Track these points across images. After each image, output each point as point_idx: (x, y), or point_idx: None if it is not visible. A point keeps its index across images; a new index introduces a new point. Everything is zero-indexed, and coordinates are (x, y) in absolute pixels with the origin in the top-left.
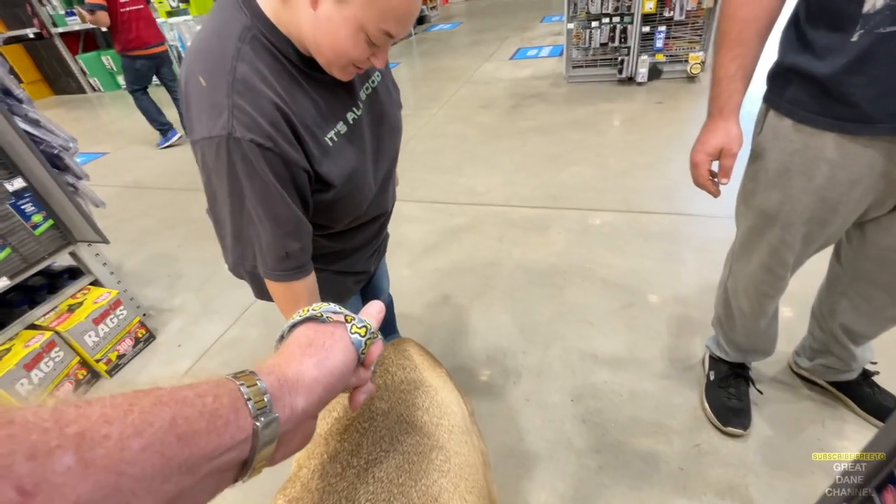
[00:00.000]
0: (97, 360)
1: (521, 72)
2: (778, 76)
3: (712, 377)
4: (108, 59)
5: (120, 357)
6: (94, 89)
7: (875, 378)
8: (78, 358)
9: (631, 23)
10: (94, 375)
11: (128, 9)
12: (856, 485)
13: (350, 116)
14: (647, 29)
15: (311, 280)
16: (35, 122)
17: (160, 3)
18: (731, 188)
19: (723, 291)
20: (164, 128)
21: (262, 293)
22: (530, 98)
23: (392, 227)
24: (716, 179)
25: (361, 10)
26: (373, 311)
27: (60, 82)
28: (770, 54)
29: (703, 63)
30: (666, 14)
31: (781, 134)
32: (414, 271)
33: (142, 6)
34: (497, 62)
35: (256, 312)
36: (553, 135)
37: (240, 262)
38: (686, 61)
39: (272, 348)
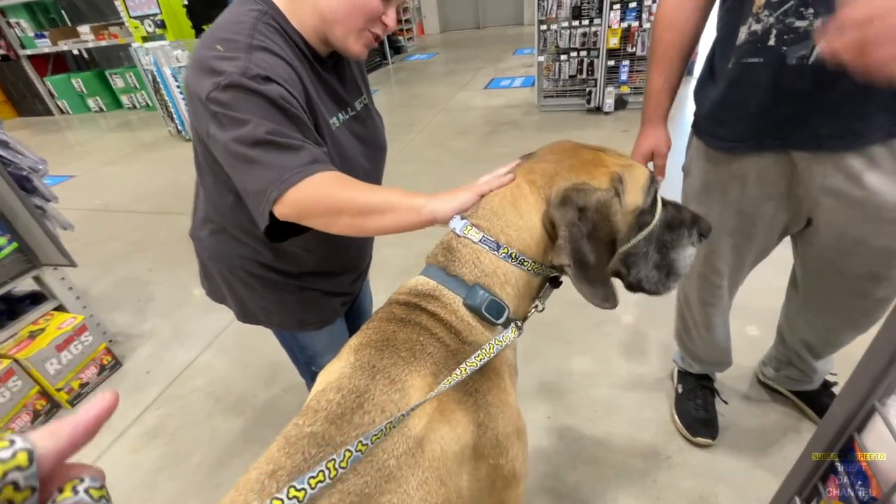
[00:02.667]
0: (58, 390)
1: (495, 100)
2: (697, 104)
3: (680, 390)
4: (78, 81)
5: (83, 385)
6: (62, 112)
7: (834, 389)
8: (37, 387)
9: (597, 57)
10: (55, 406)
11: None
12: (804, 478)
13: (342, 116)
14: (612, 63)
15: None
16: (4, 144)
17: (136, 28)
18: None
19: (678, 304)
20: None
21: (247, 315)
22: (504, 125)
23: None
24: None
25: None
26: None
27: (26, 104)
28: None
29: None
30: (629, 49)
31: (701, 154)
32: (387, 294)
33: None
34: (472, 91)
35: (230, 337)
36: None
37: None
38: None
39: (245, 373)
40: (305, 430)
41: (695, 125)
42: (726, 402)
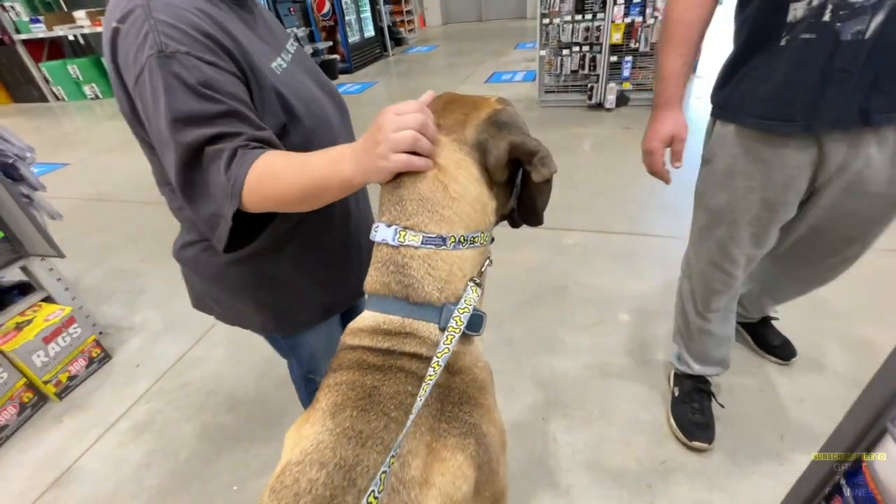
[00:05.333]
0: (45, 382)
1: (495, 95)
2: (723, 88)
3: (677, 393)
4: (74, 68)
5: (71, 378)
6: (57, 98)
7: (773, 322)
8: (24, 380)
9: (600, 52)
10: (42, 398)
11: None
12: (806, 498)
13: (283, 59)
14: (614, 59)
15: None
16: None
17: None
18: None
19: (679, 300)
20: None
21: (199, 301)
22: None
23: None
24: (667, 167)
25: None
26: None
27: (21, 90)
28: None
29: None
30: (632, 45)
31: (726, 140)
32: None
33: None
34: (473, 84)
35: (222, 331)
36: None
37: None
38: (651, 90)
39: (237, 368)
40: None
41: (722, 108)
42: (723, 406)
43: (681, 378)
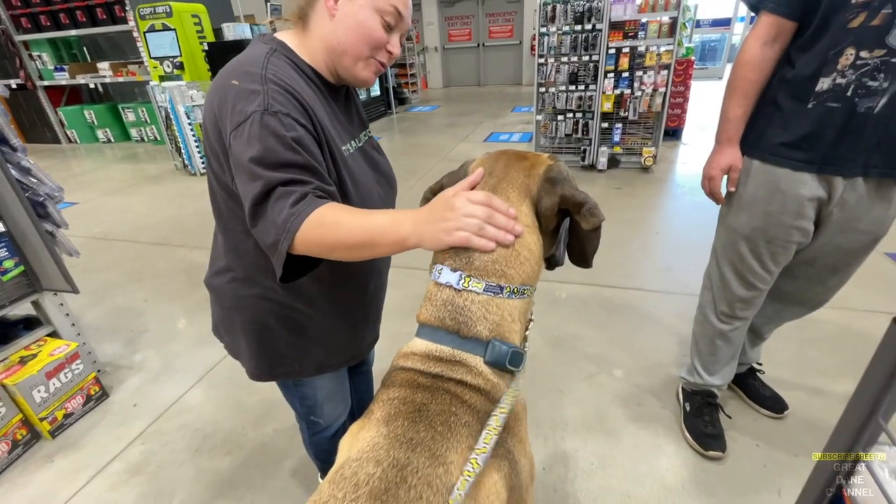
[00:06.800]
0: (41, 419)
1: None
2: (752, 131)
3: (688, 408)
4: (90, 113)
5: (67, 416)
6: (70, 140)
7: (760, 375)
8: (21, 415)
9: (592, 119)
10: (35, 436)
11: None
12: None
13: (353, 144)
14: (605, 125)
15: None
16: (26, 171)
17: (155, 68)
18: (687, 267)
19: (699, 313)
20: None
21: (262, 368)
22: None
23: None
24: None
25: None
26: None
27: (36, 131)
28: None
29: (654, 157)
30: (622, 114)
31: (751, 173)
32: (388, 335)
33: None
34: (472, 143)
35: (222, 372)
36: None
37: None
38: (640, 154)
39: (236, 411)
40: None
41: (750, 146)
42: (730, 417)
43: (690, 394)
